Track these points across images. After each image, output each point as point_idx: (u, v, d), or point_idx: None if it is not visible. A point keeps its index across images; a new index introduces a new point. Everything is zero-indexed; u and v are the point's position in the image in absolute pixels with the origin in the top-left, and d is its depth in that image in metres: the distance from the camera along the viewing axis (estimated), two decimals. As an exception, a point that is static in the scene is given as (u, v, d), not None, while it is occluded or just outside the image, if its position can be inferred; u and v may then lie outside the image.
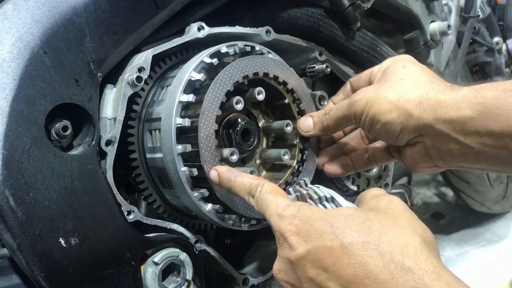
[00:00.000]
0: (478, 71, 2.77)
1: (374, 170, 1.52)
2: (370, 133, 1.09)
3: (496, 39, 2.85)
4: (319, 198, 0.94)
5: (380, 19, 1.64)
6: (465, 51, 2.06)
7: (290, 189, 1.03)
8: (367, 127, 1.07)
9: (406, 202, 1.96)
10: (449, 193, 3.45)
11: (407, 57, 1.13)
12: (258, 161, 1.29)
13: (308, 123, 1.22)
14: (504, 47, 2.96)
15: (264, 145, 1.31)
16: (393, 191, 1.84)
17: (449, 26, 1.62)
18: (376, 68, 1.14)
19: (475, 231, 3.13)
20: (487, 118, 0.90)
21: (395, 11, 1.55)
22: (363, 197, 0.91)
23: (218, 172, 1.05)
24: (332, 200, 0.94)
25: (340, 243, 0.77)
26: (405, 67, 1.06)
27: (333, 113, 1.15)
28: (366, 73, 1.18)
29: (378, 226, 0.78)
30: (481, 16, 2.55)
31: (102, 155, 1.08)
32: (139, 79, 1.10)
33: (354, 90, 1.20)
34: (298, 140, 1.26)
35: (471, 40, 2.39)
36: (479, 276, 2.75)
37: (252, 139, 1.24)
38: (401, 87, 1.02)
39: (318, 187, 0.98)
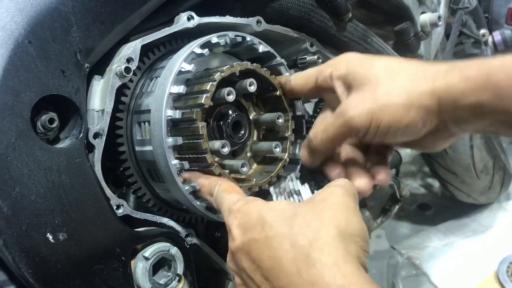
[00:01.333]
0: (465, 63, 2.79)
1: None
2: (379, 140, 0.99)
3: (482, 31, 2.86)
4: (290, 191, 0.99)
5: (371, 10, 1.63)
6: (453, 43, 2.07)
7: (272, 189, 1.10)
8: (378, 137, 0.97)
9: (394, 193, 1.96)
10: (436, 184, 3.49)
11: (353, 56, 1.04)
12: (249, 154, 1.27)
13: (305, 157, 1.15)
14: (490, 39, 2.97)
15: (255, 138, 1.29)
16: (382, 183, 1.84)
17: (439, 17, 1.62)
18: (328, 72, 1.06)
19: (461, 221, 3.17)
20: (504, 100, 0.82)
21: (386, 2, 1.54)
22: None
23: (183, 178, 1.07)
24: (299, 193, 0.99)
25: (265, 236, 0.80)
26: (375, 64, 0.98)
27: (323, 136, 1.06)
28: (318, 78, 1.09)
29: (300, 220, 0.80)
30: (469, 8, 2.55)
31: (90, 148, 1.06)
32: (127, 70, 1.08)
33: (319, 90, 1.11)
34: (289, 133, 1.24)
35: (458, 32, 2.40)
36: (465, 266, 2.78)
37: (243, 132, 1.22)
38: (399, 85, 0.93)
39: (293, 180, 1.00)
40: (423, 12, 1.64)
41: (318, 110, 1.48)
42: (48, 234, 0.94)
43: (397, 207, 2.06)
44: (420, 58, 1.71)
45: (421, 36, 1.63)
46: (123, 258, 1.05)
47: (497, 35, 3.05)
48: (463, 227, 3.12)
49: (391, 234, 3.13)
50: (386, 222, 2.16)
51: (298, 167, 1.30)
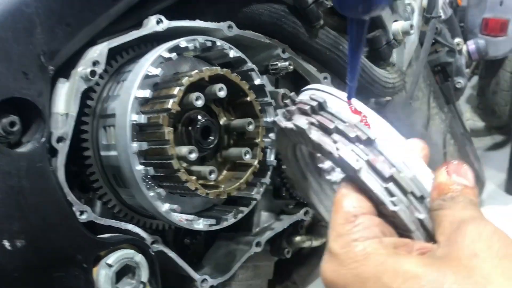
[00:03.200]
0: (440, 71, 2.83)
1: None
2: None
3: (457, 40, 2.91)
4: (311, 107, 0.69)
5: (344, 18, 1.63)
6: (427, 51, 2.08)
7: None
8: None
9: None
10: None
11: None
12: (219, 160, 1.26)
13: None
14: (464, 48, 3.02)
15: (225, 143, 1.28)
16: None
17: (411, 26, 1.63)
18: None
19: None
20: None
21: (358, 9, 1.54)
22: (438, 215, 0.66)
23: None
24: (324, 107, 0.69)
25: None
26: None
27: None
28: None
29: None
30: (442, 17, 2.58)
31: (54, 152, 1.03)
32: (93, 73, 1.06)
33: None
34: (260, 139, 1.23)
35: (433, 41, 2.43)
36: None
37: (212, 137, 1.21)
38: None
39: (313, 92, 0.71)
40: (395, 20, 1.65)
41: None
42: (4, 241, 0.91)
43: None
44: (393, 66, 1.72)
45: (393, 44, 1.64)
46: (84, 265, 1.02)
47: (471, 44, 3.11)
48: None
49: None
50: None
51: (269, 173, 1.29)
